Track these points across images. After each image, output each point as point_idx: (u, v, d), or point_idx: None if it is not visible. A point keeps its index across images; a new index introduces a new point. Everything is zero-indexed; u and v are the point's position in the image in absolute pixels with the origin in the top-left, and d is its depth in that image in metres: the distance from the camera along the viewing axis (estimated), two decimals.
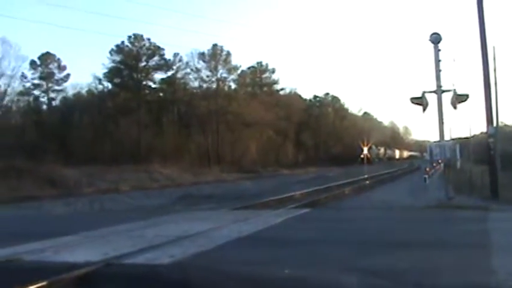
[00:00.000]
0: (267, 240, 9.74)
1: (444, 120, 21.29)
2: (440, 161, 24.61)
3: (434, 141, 22.24)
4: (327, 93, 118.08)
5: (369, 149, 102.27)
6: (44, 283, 5.12)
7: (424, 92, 21.51)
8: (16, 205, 26.83)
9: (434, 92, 21.25)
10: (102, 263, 7.10)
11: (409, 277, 6.14)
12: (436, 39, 21.55)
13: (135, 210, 21.15)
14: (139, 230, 11.25)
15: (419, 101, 21.54)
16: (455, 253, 7.98)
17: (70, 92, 77.51)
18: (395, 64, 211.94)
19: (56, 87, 76.05)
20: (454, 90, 21.07)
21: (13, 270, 6.13)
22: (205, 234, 10.34)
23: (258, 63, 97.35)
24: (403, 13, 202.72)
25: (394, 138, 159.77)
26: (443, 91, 21.15)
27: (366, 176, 46.94)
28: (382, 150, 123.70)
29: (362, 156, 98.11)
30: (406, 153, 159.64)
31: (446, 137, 22.24)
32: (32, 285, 5.06)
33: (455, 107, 21.12)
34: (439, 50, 21.51)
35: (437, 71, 21.27)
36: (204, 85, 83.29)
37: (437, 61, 21.33)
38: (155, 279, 5.85)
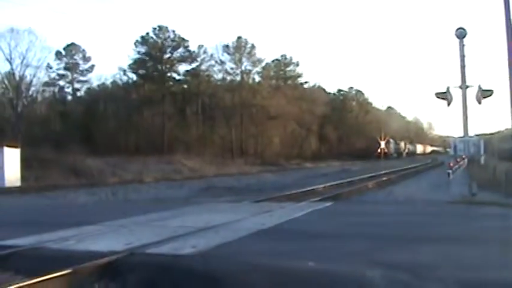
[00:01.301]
0: (289, 233, 9.73)
1: (468, 116, 21.17)
2: (464, 156, 24.47)
3: (458, 137, 22.08)
4: (351, 87, 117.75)
5: (386, 143, 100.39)
6: (69, 270, 5.20)
7: (448, 87, 21.39)
8: (41, 194, 27.08)
9: (459, 87, 21.12)
10: (126, 252, 7.19)
11: (432, 272, 6.12)
12: (461, 34, 21.40)
13: (158, 201, 21.25)
14: (163, 220, 11.30)
15: (444, 96, 21.42)
16: (478, 249, 7.94)
17: (95, 83, 78.25)
18: (420, 59, 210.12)
19: (81, 78, 76.76)
20: (479, 85, 20.93)
21: (39, 257, 6.23)
22: (227, 226, 10.36)
23: (282, 56, 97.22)
24: (428, 7, 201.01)
25: (417, 133, 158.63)
26: (468, 86, 21.02)
27: (389, 170, 46.76)
28: (402, 144, 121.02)
29: (379, 150, 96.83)
30: (428, 148, 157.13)
31: (471, 133, 22.07)
32: (57, 272, 5.14)
33: (479, 102, 20.98)
34: (464, 45, 21.36)
35: (462, 66, 21.13)
36: (228, 77, 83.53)
37: (462, 56, 21.19)
38: (178, 269, 5.90)
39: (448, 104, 21.40)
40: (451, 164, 35.73)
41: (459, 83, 21.11)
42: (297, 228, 10.64)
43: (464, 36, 21.43)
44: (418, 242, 8.39)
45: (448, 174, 32.56)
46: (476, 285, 5.66)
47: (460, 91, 21.12)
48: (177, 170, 53.35)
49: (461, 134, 21.60)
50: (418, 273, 5.89)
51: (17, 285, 5.10)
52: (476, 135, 25.17)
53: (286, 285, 5.54)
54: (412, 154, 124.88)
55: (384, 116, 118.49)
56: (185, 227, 10.01)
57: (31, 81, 63.64)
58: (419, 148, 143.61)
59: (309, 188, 26.55)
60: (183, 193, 27.33)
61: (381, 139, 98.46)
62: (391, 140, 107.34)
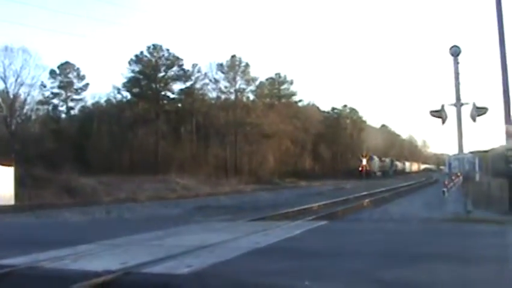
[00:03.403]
0: (285, 252, 9.69)
1: (463, 133, 21.19)
2: (459, 174, 24.47)
3: (453, 154, 22.08)
4: (345, 105, 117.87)
5: (369, 160, 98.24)
6: None
7: (443, 105, 21.41)
8: (35, 213, 26.98)
9: (453, 104, 21.15)
10: (121, 271, 7.14)
11: None
12: (455, 51, 21.46)
13: (152, 220, 21.20)
14: (157, 239, 11.25)
15: (439, 114, 21.44)
16: (475, 266, 7.92)
17: (89, 102, 78.31)
18: (415, 77, 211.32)
19: (75, 97, 76.90)
20: (473, 103, 20.97)
21: (34, 277, 6.17)
22: (222, 245, 10.32)
23: (276, 74, 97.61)
24: (423, 25, 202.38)
25: (411, 150, 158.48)
26: (463, 104, 21.05)
27: (383, 188, 46.79)
28: (387, 161, 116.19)
29: (360, 168, 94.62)
30: (419, 166, 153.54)
31: (465, 150, 22.08)
32: None
33: (474, 120, 21.02)
34: (458, 63, 21.42)
35: (457, 83, 21.18)
36: (223, 96, 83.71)
37: (457, 74, 21.24)
38: None
39: (443, 122, 21.42)
40: (446, 182, 35.78)
41: (454, 100, 21.15)
42: (292, 246, 10.60)
43: (458, 54, 21.50)
44: (413, 260, 8.37)
45: (443, 192, 32.59)
46: None
47: (454, 109, 21.15)
48: (171, 189, 53.26)
49: (456, 152, 21.60)
50: None
51: None
52: (471, 152, 25.22)
53: None
54: (401, 172, 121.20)
55: (373, 133, 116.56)
56: (180, 246, 9.96)
57: (25, 99, 63.94)
58: (409, 165, 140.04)
59: (303, 207, 26.56)
60: (178, 212, 27.29)
61: (363, 156, 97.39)
62: (375, 157, 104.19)
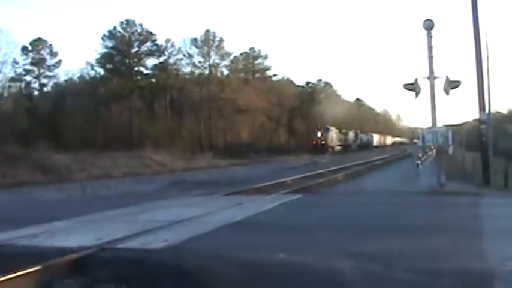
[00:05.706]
0: (259, 226, 9.74)
1: (437, 107, 21.31)
2: (432, 147, 24.67)
3: (427, 128, 22.22)
4: (320, 80, 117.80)
5: (324, 132, 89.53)
6: (38, 267, 5.11)
7: (416, 79, 21.50)
8: (8, 191, 26.75)
9: (427, 78, 21.24)
10: (96, 247, 7.11)
11: (402, 261, 6.17)
12: (429, 25, 21.51)
13: (127, 196, 21.13)
14: (132, 215, 11.24)
15: (412, 87, 21.52)
16: (447, 238, 8.02)
17: (62, 78, 77.43)
18: (389, 51, 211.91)
19: (48, 73, 75.91)
20: (447, 76, 21.06)
21: (8, 255, 6.12)
22: (198, 219, 10.34)
23: (250, 49, 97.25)
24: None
25: (386, 124, 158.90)
26: (436, 77, 21.14)
27: (358, 162, 47.01)
28: (351, 134, 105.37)
29: (314, 142, 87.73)
30: (389, 139, 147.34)
31: (439, 124, 22.21)
32: (26, 269, 5.05)
33: (447, 93, 21.13)
34: (432, 37, 21.48)
35: (430, 57, 21.23)
36: (197, 71, 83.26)
37: (430, 47, 21.29)
38: (149, 263, 5.86)
39: (416, 95, 21.51)
40: (420, 155, 36.06)
41: (427, 74, 21.24)
42: (267, 220, 10.65)
43: (432, 28, 21.55)
44: (388, 233, 8.46)
45: (417, 164, 32.82)
46: (445, 273, 5.71)
47: (428, 82, 21.24)
48: (146, 165, 53.04)
49: (430, 125, 21.74)
50: (387, 263, 5.94)
51: None
52: (445, 125, 25.44)
53: (256, 276, 5.56)
54: (367, 146, 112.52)
55: (344, 106, 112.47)
56: (155, 221, 9.97)
57: None
58: (379, 139, 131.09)
59: (278, 181, 26.61)
60: (153, 188, 27.24)
61: (317, 129, 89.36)
62: (331, 128, 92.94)
